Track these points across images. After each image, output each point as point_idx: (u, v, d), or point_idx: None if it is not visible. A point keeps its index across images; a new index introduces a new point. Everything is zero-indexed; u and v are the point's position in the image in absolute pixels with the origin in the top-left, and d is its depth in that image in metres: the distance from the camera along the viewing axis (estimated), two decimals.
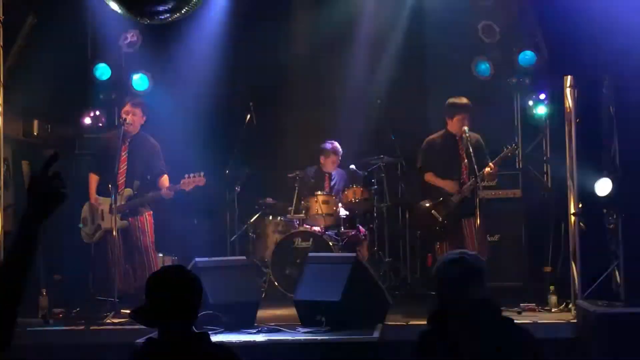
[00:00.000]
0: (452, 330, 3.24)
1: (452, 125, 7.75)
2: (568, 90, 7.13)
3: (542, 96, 9.04)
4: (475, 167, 7.45)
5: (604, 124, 7.27)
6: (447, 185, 7.69)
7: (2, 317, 2.14)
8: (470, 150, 7.47)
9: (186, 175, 7.64)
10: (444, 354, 3.20)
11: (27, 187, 2.22)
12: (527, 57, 8.88)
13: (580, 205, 7.07)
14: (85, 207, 7.84)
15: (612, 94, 7.09)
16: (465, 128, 7.63)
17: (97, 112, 9.28)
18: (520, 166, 9.44)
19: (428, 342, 3.30)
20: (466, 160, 7.67)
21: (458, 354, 3.19)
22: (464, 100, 7.78)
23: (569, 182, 7.16)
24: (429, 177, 7.81)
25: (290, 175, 9.27)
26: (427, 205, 7.80)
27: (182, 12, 6.43)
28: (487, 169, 7.50)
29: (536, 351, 3.29)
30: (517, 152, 7.60)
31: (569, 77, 7.10)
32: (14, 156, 8.82)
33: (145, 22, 6.90)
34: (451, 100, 7.82)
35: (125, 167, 7.71)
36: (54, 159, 2.27)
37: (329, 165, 9.46)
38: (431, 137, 7.97)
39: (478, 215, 7.48)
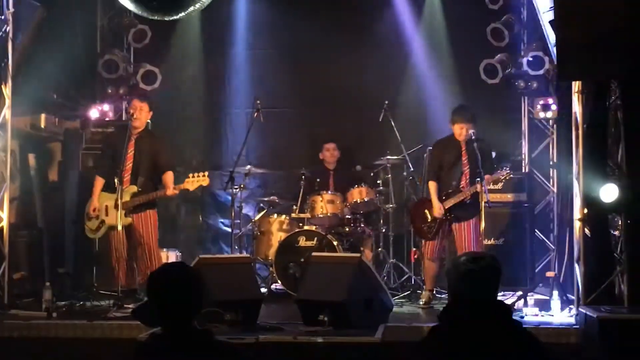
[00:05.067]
0: (463, 328, 3.23)
1: (454, 131, 7.88)
2: (576, 96, 7.12)
3: (550, 100, 9.05)
4: (481, 171, 7.48)
5: (611, 130, 7.25)
6: (435, 205, 7.83)
7: None
8: (477, 154, 7.55)
9: (190, 175, 7.69)
10: (453, 351, 3.20)
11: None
12: (535, 61, 8.87)
13: (585, 211, 7.05)
14: (90, 202, 7.83)
15: (619, 99, 7.07)
16: (471, 132, 7.70)
17: (105, 107, 9.27)
18: (526, 170, 9.44)
19: (437, 337, 3.29)
20: (468, 167, 7.79)
21: (467, 351, 3.19)
22: (464, 109, 7.90)
23: (575, 187, 7.14)
24: (430, 186, 8.00)
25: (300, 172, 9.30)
26: (424, 204, 8.08)
27: (191, 9, 6.46)
28: (482, 184, 7.47)
29: (543, 356, 3.29)
30: (509, 178, 8.03)
31: (578, 82, 7.09)
32: (20, 149, 8.82)
33: (156, 18, 6.94)
34: (454, 108, 7.98)
35: (131, 163, 7.68)
36: None
37: (330, 157, 9.49)
38: (440, 139, 8.23)
39: (483, 219, 7.51)
